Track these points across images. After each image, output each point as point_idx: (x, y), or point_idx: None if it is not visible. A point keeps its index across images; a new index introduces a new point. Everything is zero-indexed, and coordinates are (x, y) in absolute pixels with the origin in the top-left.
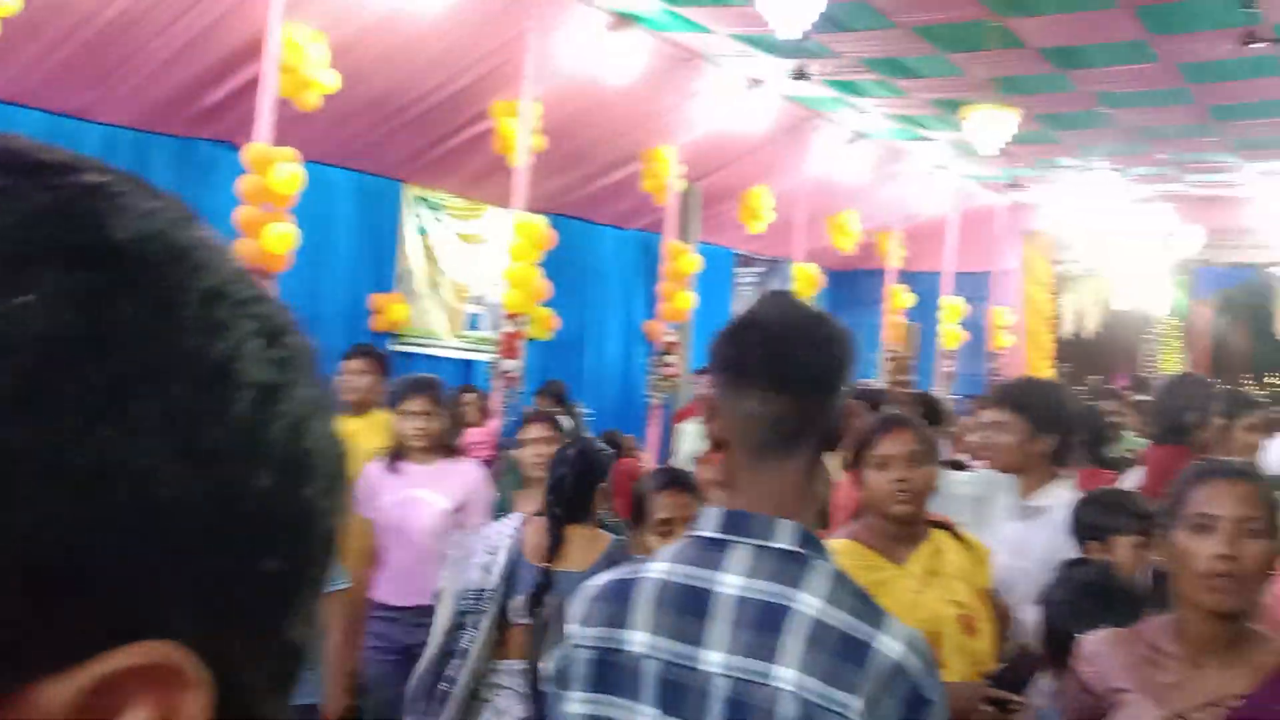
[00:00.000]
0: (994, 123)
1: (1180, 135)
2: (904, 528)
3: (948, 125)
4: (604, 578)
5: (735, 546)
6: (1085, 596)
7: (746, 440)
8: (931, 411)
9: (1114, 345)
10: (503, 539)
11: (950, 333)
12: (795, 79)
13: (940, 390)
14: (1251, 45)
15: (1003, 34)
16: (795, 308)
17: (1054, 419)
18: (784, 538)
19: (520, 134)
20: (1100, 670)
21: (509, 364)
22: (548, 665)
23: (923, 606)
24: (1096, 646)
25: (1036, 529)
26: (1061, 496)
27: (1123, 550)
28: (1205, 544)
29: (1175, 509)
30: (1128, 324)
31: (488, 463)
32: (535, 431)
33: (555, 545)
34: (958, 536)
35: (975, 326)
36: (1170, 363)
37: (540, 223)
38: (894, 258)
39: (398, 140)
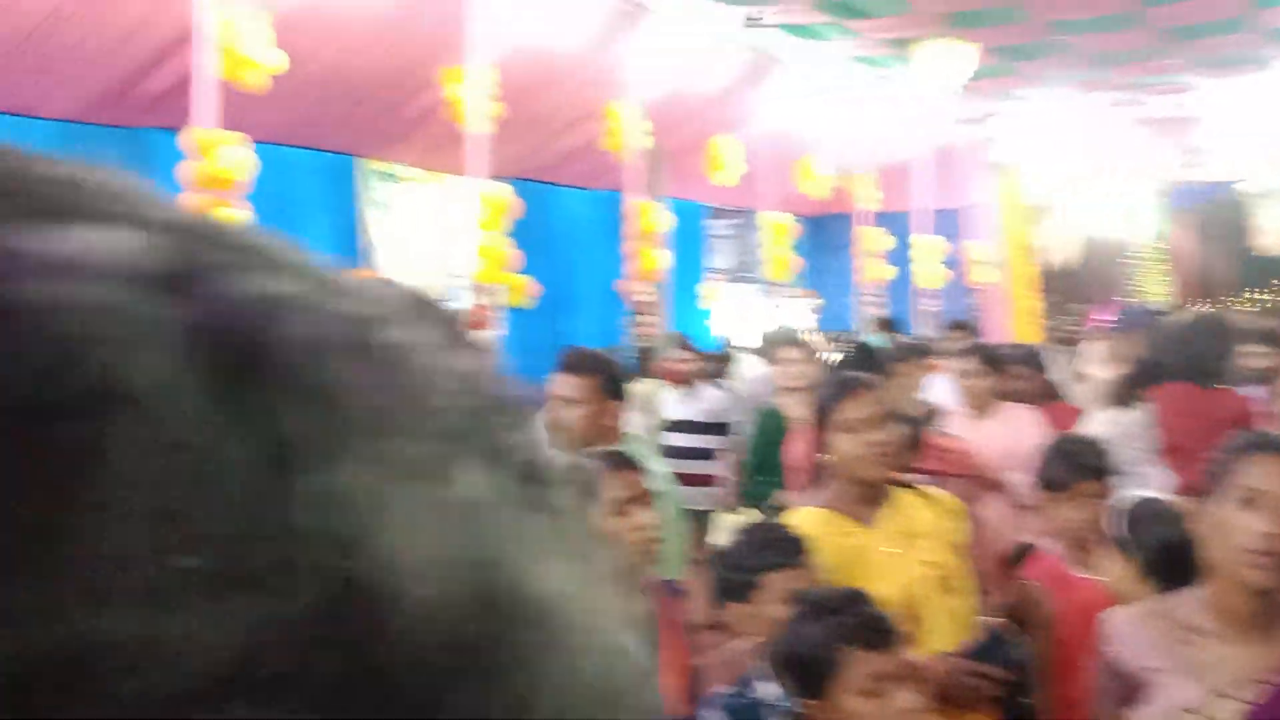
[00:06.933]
0: (950, 57)
1: (1136, 59)
2: (872, 489)
3: (906, 63)
4: None
5: None
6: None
7: None
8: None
9: (1094, 274)
10: None
11: (932, 272)
12: (749, 25)
13: (925, 330)
14: None
15: None
16: None
17: None
18: None
19: (473, 100)
20: (1129, 649)
21: (481, 335)
22: None
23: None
24: (1123, 624)
25: None
26: None
27: None
28: (1254, 520)
29: (1220, 479)
30: (1106, 251)
31: None
32: None
33: None
34: (923, 495)
35: (951, 264)
36: (1153, 288)
37: (505, 190)
38: (867, 200)
39: (350, 115)
